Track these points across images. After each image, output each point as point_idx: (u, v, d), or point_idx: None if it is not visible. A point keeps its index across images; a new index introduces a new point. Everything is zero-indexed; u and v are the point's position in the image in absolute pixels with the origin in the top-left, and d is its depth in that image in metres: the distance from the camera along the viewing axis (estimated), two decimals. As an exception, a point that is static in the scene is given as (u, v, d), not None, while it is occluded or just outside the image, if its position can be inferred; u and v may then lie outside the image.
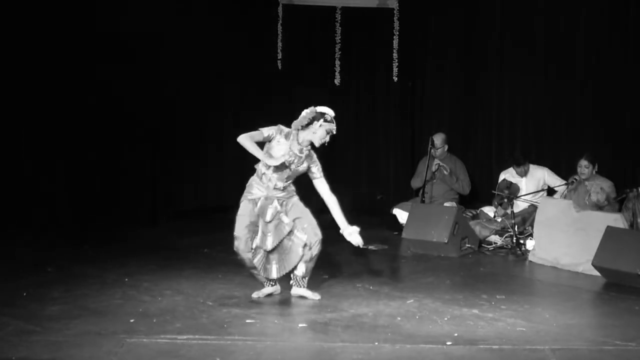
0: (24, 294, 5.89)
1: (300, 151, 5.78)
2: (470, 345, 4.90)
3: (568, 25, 8.99)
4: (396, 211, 8.85)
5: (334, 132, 5.81)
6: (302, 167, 5.84)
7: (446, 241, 7.58)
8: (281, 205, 5.80)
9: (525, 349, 4.84)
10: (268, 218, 5.77)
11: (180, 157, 9.57)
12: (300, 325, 5.31)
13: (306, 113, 5.80)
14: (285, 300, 5.91)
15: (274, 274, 5.87)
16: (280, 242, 5.81)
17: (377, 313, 5.60)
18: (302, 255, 5.81)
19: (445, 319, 5.48)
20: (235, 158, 9.94)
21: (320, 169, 5.90)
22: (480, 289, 6.33)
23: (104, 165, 8.96)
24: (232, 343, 4.87)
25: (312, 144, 5.83)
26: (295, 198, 5.90)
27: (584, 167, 7.91)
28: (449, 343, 4.92)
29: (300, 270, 5.88)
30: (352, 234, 5.78)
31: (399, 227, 8.56)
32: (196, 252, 7.66)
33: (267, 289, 5.95)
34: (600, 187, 7.74)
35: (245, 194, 5.85)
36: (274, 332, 5.15)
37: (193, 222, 9.33)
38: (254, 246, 5.78)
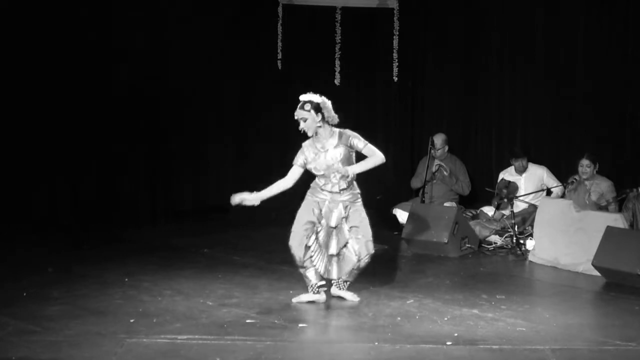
0: (24, 294, 5.89)
1: (325, 142, 5.75)
2: (470, 345, 4.90)
3: (568, 25, 8.98)
4: (396, 211, 8.84)
5: (296, 117, 5.75)
6: (342, 151, 5.75)
7: (446, 241, 7.57)
8: (345, 209, 5.80)
9: (525, 349, 4.84)
10: (333, 224, 5.78)
11: (180, 157, 9.55)
12: (300, 325, 5.31)
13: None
14: (284, 301, 5.91)
15: (334, 275, 5.85)
16: (342, 247, 5.83)
17: (377, 313, 5.60)
18: (355, 264, 5.81)
19: (445, 319, 5.48)
20: (235, 158, 10.01)
21: (361, 139, 5.80)
22: (480, 289, 6.34)
23: (104, 166, 8.95)
24: (232, 343, 4.87)
25: (316, 132, 5.76)
26: (359, 203, 5.89)
27: (586, 166, 7.90)
28: (449, 343, 4.93)
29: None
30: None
31: (399, 227, 8.55)
32: (196, 252, 7.65)
33: (309, 296, 5.86)
34: (600, 193, 7.76)
35: (308, 194, 5.84)
36: (274, 332, 5.14)
37: (193, 222, 9.32)
38: (310, 244, 5.75)
